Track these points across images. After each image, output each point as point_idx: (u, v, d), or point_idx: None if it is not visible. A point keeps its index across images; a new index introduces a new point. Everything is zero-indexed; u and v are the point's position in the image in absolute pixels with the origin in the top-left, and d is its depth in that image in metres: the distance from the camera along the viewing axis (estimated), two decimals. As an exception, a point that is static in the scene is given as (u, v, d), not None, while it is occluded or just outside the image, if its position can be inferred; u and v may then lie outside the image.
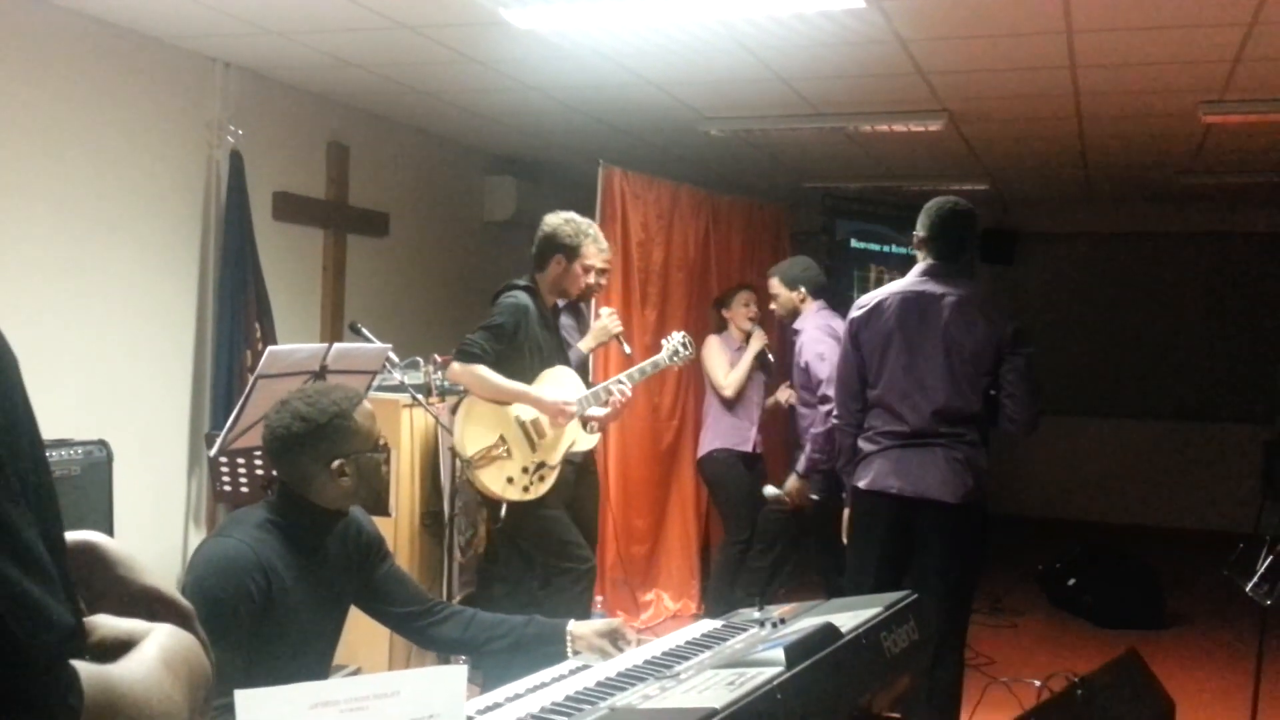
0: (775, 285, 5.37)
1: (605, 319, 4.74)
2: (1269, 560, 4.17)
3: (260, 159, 5.29)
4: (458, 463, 4.13)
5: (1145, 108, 5.45)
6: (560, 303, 4.65)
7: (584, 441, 4.34)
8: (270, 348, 3.69)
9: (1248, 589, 4.15)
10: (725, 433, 5.66)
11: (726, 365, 5.66)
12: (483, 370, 4.00)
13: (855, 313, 3.88)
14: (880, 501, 3.72)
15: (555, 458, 4.21)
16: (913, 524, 3.71)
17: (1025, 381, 3.71)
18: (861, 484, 3.77)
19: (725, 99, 5.56)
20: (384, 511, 3.83)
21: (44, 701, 0.84)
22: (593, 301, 5.03)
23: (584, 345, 4.70)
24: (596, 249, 4.33)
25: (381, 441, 2.49)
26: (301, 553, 2.40)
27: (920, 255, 3.88)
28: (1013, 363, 3.70)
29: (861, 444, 3.81)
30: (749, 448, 5.67)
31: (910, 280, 3.84)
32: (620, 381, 4.38)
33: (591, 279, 4.39)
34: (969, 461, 3.67)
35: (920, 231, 3.85)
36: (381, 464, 2.49)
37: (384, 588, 2.61)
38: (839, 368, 3.97)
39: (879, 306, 3.80)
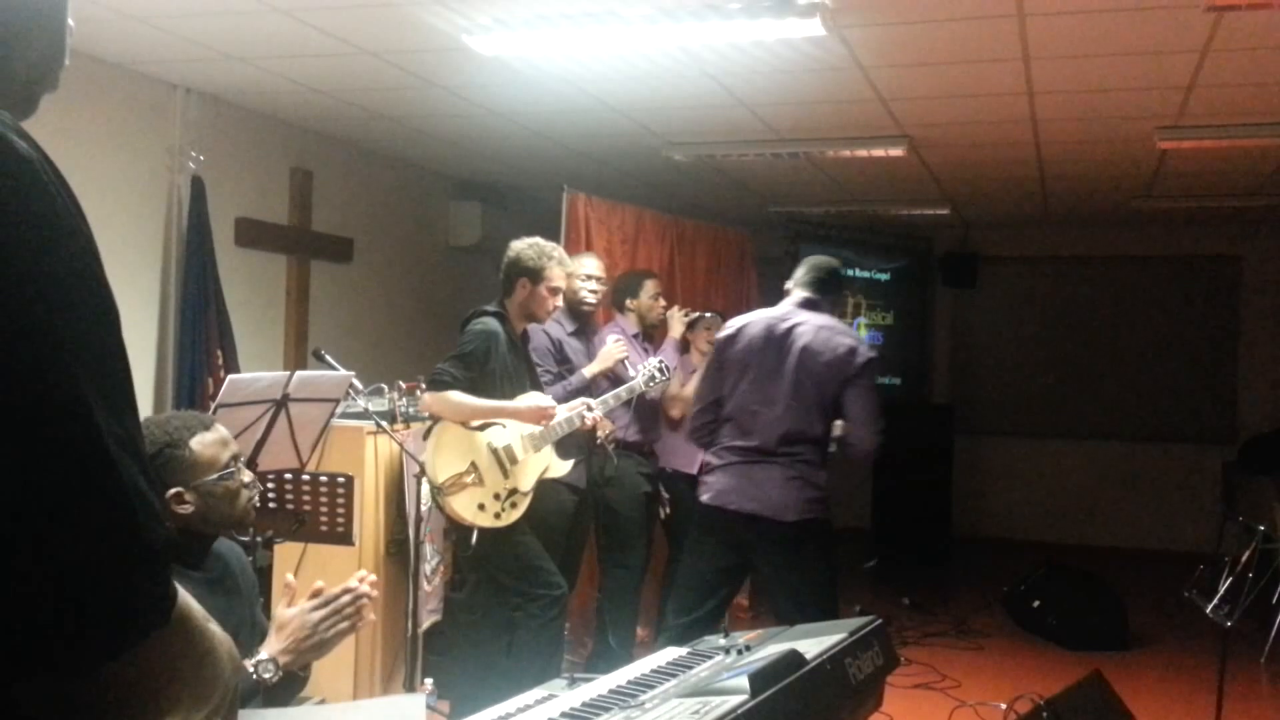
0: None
1: (610, 345, 4.82)
2: (1229, 581, 4.22)
3: (222, 185, 5.25)
4: (424, 490, 4.10)
5: (1102, 134, 5.53)
6: (569, 327, 4.81)
7: (557, 468, 4.32)
8: (231, 376, 3.64)
9: (1209, 610, 4.18)
10: (674, 452, 5.66)
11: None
12: (456, 395, 3.99)
13: (722, 333, 4.09)
14: (719, 517, 3.84)
15: (527, 484, 4.19)
16: (749, 540, 3.83)
17: (866, 408, 3.85)
18: (704, 498, 3.91)
19: (688, 125, 5.59)
20: (347, 540, 3.79)
21: (153, 590, 0.91)
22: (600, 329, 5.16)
23: (589, 370, 4.74)
24: (561, 270, 4.33)
25: (231, 463, 2.34)
26: (186, 576, 2.32)
27: (795, 291, 4.07)
28: (856, 389, 3.82)
29: (708, 458, 3.98)
30: (694, 470, 5.66)
31: (777, 309, 4.03)
32: (590, 407, 4.37)
33: (580, 290, 4.76)
34: (805, 478, 3.80)
35: (801, 273, 4.09)
36: (234, 486, 2.35)
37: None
38: (700, 384, 4.16)
39: (743, 330, 3.98)
